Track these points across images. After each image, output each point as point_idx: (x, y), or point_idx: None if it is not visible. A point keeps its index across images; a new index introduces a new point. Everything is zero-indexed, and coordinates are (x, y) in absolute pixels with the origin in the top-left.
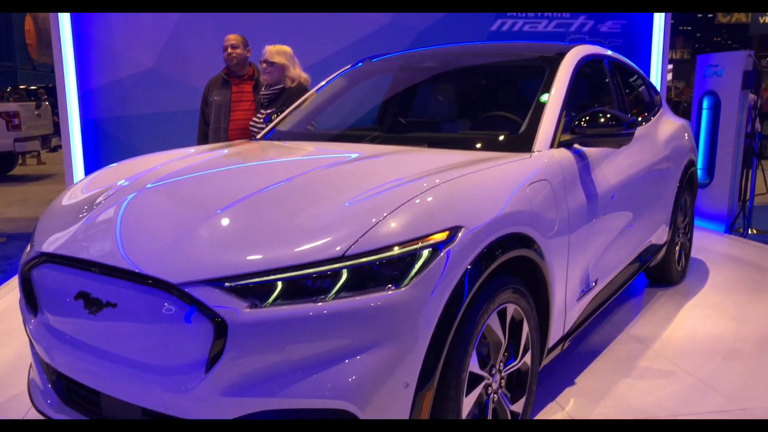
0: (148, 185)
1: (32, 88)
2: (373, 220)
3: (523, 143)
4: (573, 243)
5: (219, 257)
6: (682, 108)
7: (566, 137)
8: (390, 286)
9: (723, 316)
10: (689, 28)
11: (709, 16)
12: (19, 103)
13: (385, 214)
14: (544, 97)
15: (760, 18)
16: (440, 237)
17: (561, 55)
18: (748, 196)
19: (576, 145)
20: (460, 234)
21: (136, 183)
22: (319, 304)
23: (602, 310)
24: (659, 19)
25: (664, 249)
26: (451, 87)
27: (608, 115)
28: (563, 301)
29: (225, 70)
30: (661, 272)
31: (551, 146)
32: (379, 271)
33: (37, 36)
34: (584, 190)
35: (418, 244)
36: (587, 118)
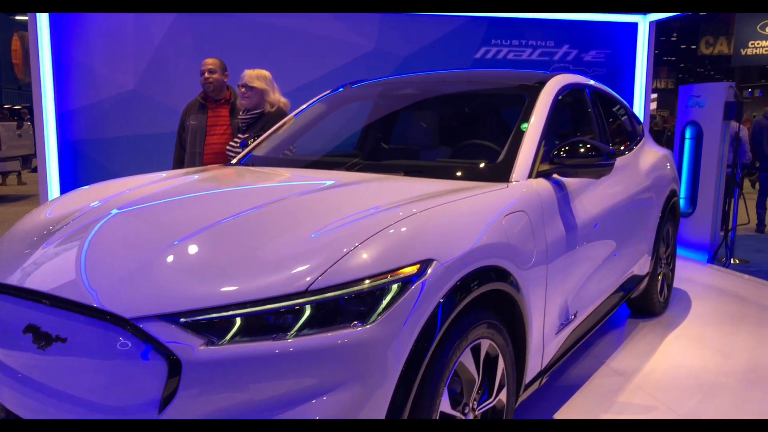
0: (113, 211)
1: (16, 107)
2: (344, 250)
3: (500, 173)
4: (551, 275)
5: (175, 291)
6: (666, 136)
7: (545, 167)
8: (356, 322)
9: (706, 349)
10: (673, 58)
11: (693, 47)
12: (0, 123)
13: (356, 244)
14: (523, 126)
15: (741, 50)
16: (410, 271)
17: (541, 84)
18: (730, 226)
19: (555, 175)
20: (431, 267)
21: (100, 209)
22: (281, 341)
23: (582, 342)
24: (642, 50)
25: (646, 280)
26: (431, 114)
27: (588, 145)
28: (541, 335)
29: (202, 94)
30: (643, 303)
31: (529, 176)
32: (345, 306)
33: (24, 55)
34: (563, 222)
35: (387, 277)
36: (566, 148)
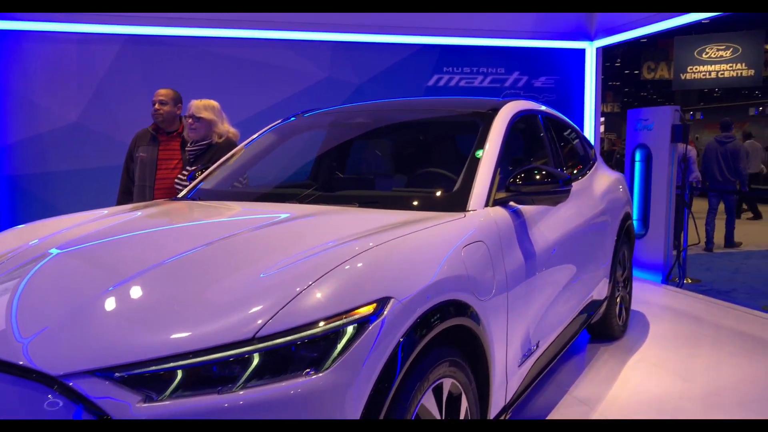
0: (52, 251)
1: None
2: (297, 289)
3: (457, 202)
4: (512, 306)
5: (110, 342)
6: (615, 158)
7: (502, 195)
8: (309, 370)
9: (667, 373)
10: (618, 83)
11: (635, 72)
12: None
13: (309, 283)
14: (478, 154)
15: (681, 75)
16: (367, 310)
17: (494, 111)
18: (682, 247)
19: (512, 203)
20: (389, 306)
21: (37, 249)
22: (227, 394)
23: (545, 371)
24: (590, 75)
25: (605, 304)
26: (385, 143)
27: (543, 172)
28: (504, 369)
29: (153, 126)
30: (602, 328)
31: (486, 204)
32: (297, 353)
33: None
34: (522, 250)
35: (342, 319)
36: (522, 175)
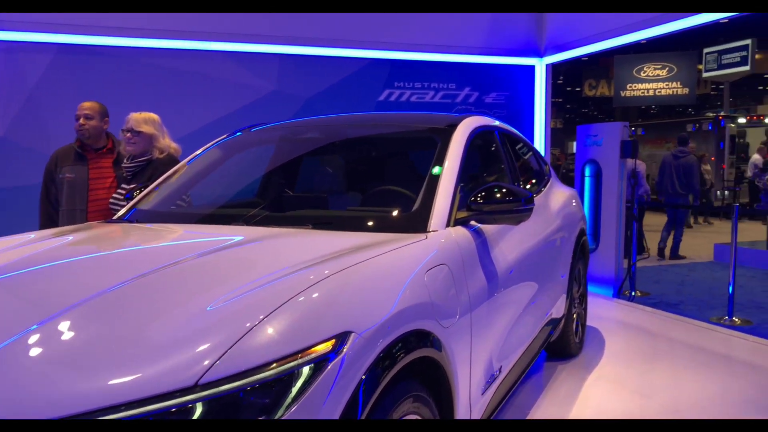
0: None
1: None
2: (246, 325)
3: (417, 222)
4: (475, 332)
5: (24, 394)
6: (560, 173)
7: (463, 214)
8: (260, 418)
9: (625, 390)
10: (561, 99)
11: (577, 89)
12: None
13: (260, 318)
14: (437, 172)
15: (621, 92)
16: (325, 348)
17: (453, 127)
18: (631, 261)
19: (472, 222)
20: (349, 341)
21: None
22: None
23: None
24: (540, 91)
25: (563, 322)
26: (338, 160)
27: (504, 190)
28: (468, 399)
29: (77, 142)
30: (560, 346)
31: (447, 225)
32: (245, 399)
33: None
34: (484, 272)
35: (297, 358)
36: (483, 193)
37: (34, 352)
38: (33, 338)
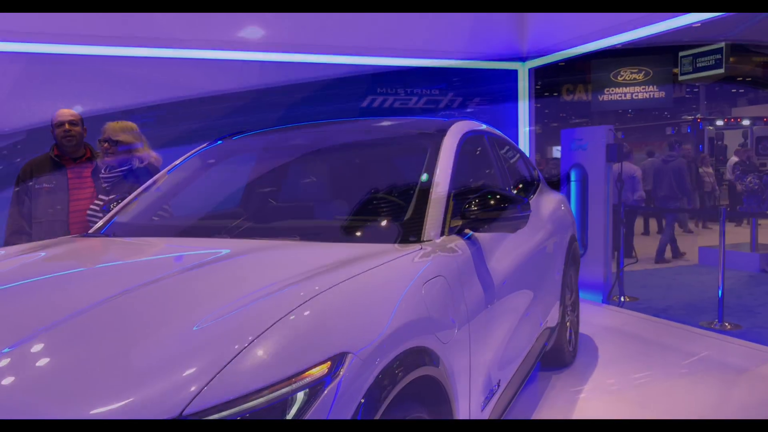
0: None
1: None
2: (235, 347)
3: (410, 232)
4: (474, 347)
5: None
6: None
7: (457, 222)
8: None
9: (621, 402)
10: (539, 105)
11: (555, 94)
12: None
13: (249, 339)
14: (429, 179)
15: (599, 97)
16: (320, 371)
17: (443, 132)
18: (619, 267)
19: (467, 231)
20: (346, 363)
21: None
22: None
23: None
24: (523, 95)
25: (557, 330)
26: (325, 168)
27: (498, 196)
28: (468, 417)
29: (55, 151)
30: (554, 355)
31: (442, 234)
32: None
33: None
34: (481, 283)
35: (291, 383)
36: (478, 201)
37: (3, 379)
38: (2, 363)
